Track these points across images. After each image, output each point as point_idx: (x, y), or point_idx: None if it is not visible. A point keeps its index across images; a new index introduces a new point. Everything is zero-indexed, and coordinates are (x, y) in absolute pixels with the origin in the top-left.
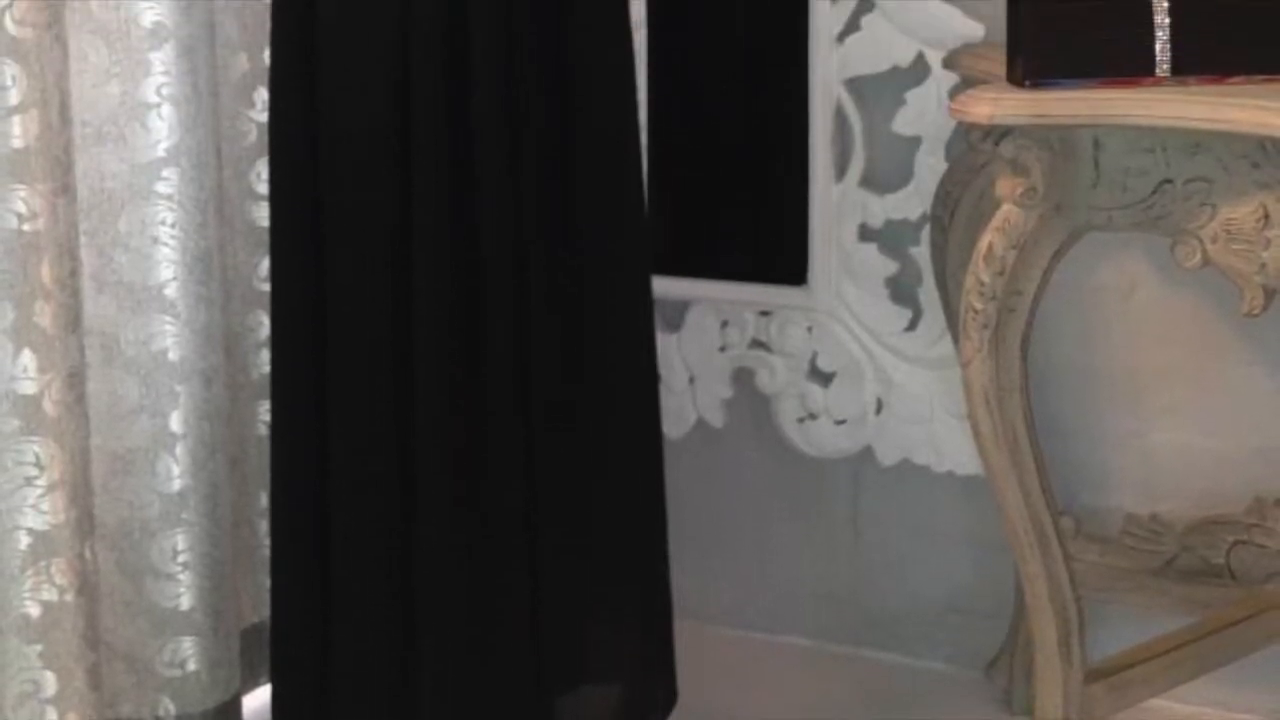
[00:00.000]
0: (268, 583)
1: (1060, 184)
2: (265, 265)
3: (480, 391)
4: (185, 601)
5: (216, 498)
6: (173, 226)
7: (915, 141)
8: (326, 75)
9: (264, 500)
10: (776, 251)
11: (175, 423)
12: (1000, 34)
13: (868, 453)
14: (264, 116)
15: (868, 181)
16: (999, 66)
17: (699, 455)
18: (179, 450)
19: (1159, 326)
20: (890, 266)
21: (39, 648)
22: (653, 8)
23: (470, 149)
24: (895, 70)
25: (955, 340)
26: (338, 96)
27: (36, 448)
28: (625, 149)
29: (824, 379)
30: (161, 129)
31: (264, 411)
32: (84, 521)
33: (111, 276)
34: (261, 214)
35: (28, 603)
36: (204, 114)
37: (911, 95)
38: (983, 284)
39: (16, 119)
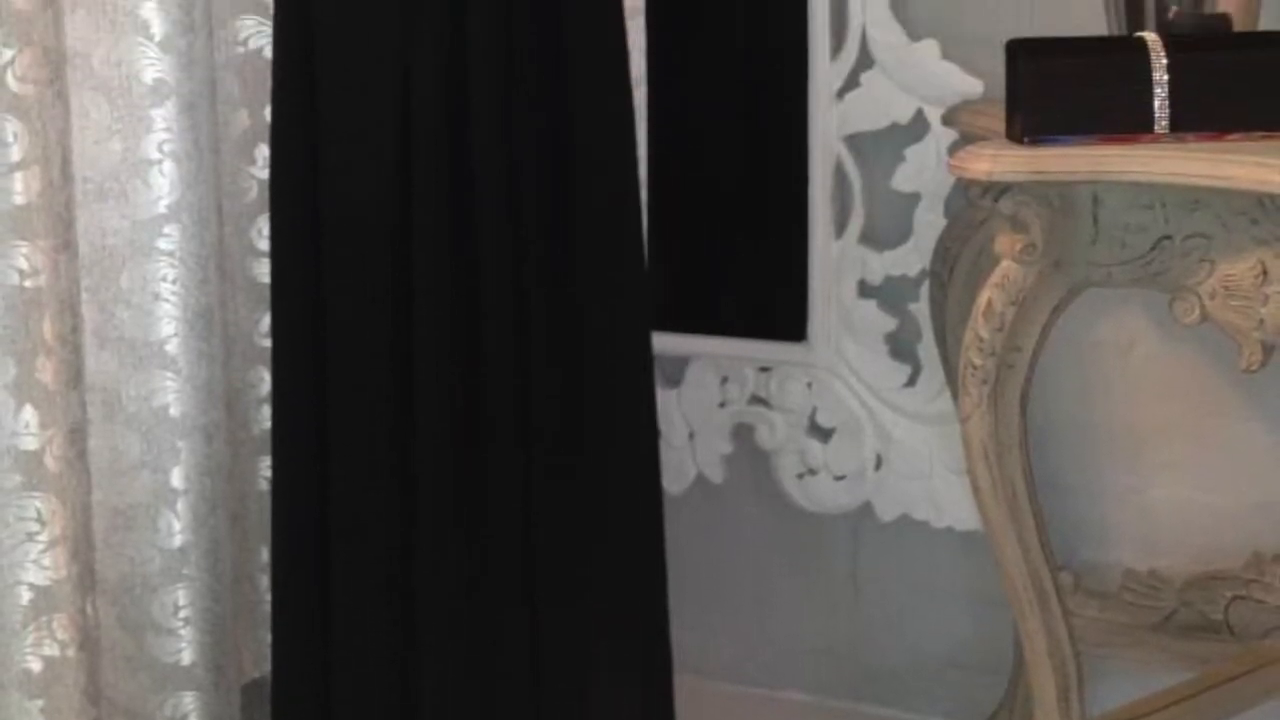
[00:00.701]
0: (269, 638)
1: (1059, 240)
2: (266, 321)
3: (480, 445)
4: (186, 657)
5: (217, 553)
6: (174, 283)
7: (914, 198)
8: (327, 133)
9: (265, 555)
10: (776, 308)
11: (176, 478)
12: (999, 90)
13: (867, 508)
14: (265, 173)
15: (867, 238)
16: (998, 123)
17: (699, 511)
18: (180, 506)
19: (1158, 382)
20: (889, 323)
21: (40, 703)
22: (654, 63)
23: (471, 207)
24: (894, 127)
25: (954, 396)
26: (339, 154)
27: (38, 503)
28: (625, 204)
29: (823, 435)
30: (163, 185)
31: (265, 467)
32: (85, 577)
33: (113, 332)
34: (262, 270)
35: (29, 658)
36: (205, 171)
37: (911, 152)
38: (982, 340)
39: (18, 175)
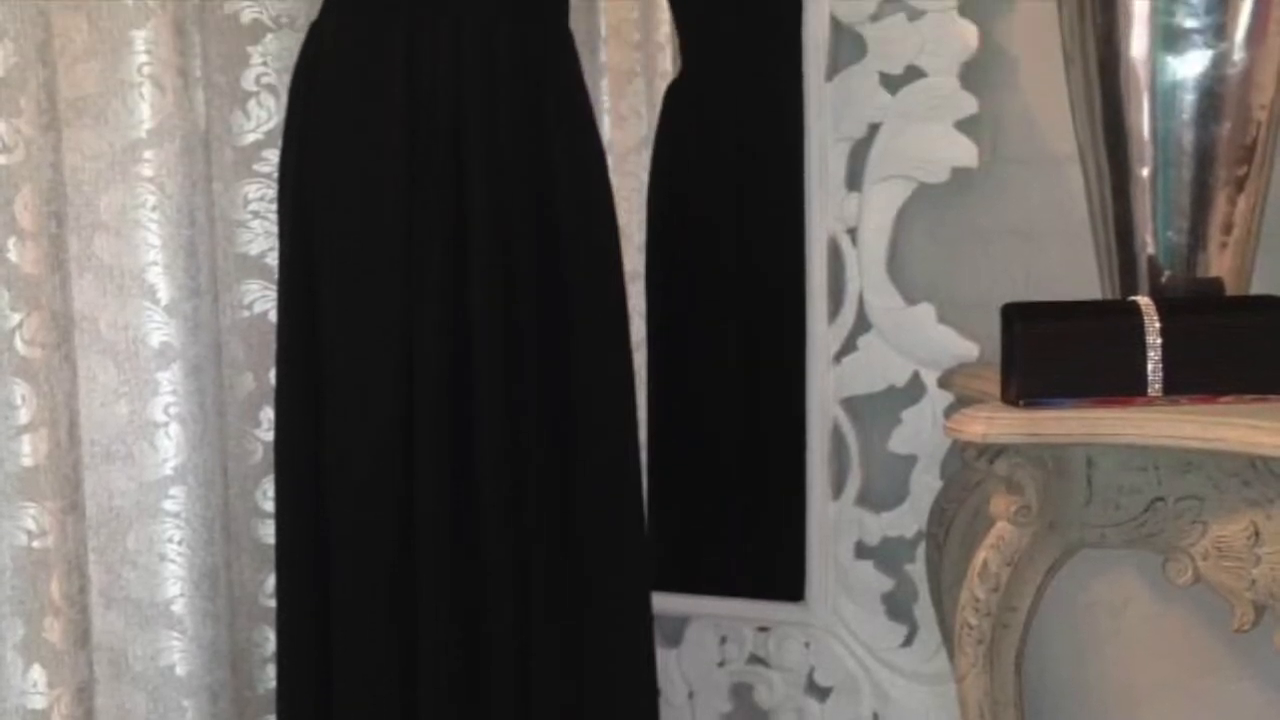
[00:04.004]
0: None
1: (1054, 501)
2: (271, 582)
3: (482, 706)
4: None
5: None
6: (180, 544)
7: (911, 460)
8: (331, 398)
9: None
10: (774, 568)
11: None
12: (994, 353)
13: None
14: (270, 436)
15: (864, 499)
16: (993, 386)
17: None
18: None
19: (1151, 642)
20: (886, 583)
21: None
22: (653, 327)
23: (473, 473)
24: (891, 390)
25: (951, 655)
26: (342, 419)
27: None
28: (625, 467)
29: (821, 694)
30: (169, 448)
31: None
32: None
33: (120, 593)
34: (267, 531)
35: None
36: (210, 433)
37: (907, 414)
38: (978, 600)
39: (26, 438)
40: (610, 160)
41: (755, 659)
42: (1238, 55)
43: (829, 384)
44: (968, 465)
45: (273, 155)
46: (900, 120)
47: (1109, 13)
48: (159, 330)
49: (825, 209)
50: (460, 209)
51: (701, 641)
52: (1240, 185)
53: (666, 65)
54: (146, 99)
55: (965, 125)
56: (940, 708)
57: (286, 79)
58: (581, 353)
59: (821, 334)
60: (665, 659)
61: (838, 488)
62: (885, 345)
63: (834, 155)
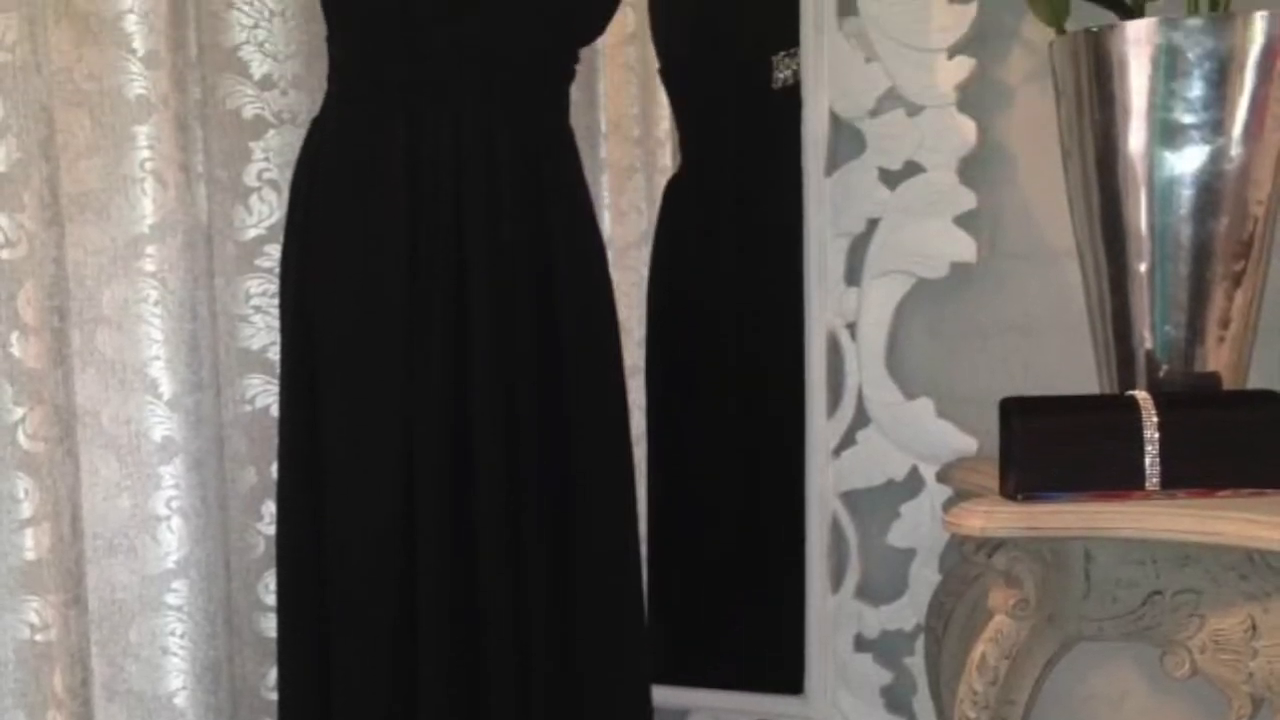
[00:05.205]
0: None
1: (1052, 595)
2: (273, 675)
3: None
4: None
5: None
6: (182, 637)
7: (910, 553)
8: (332, 492)
9: None
10: (774, 661)
11: None
12: (993, 448)
13: None
14: (271, 529)
15: (863, 593)
16: (991, 480)
17: None
18: None
19: None
20: (885, 676)
21: None
22: (653, 421)
23: (473, 566)
24: (890, 484)
25: None
26: (343, 513)
27: None
28: (625, 560)
29: None
30: (171, 541)
31: None
32: None
33: (122, 686)
34: (269, 625)
35: None
36: (213, 526)
37: (906, 508)
38: (976, 693)
39: (29, 532)
40: (610, 255)
41: None
42: (1235, 151)
43: (828, 478)
44: (966, 559)
45: (274, 250)
46: (899, 215)
47: (1107, 109)
48: (161, 424)
49: (824, 304)
50: (461, 304)
51: None
52: (1237, 280)
53: (666, 161)
54: (149, 194)
55: (964, 220)
56: None
57: (288, 174)
58: (582, 446)
59: (821, 428)
60: None
61: (837, 581)
62: (884, 439)
63: (833, 250)
